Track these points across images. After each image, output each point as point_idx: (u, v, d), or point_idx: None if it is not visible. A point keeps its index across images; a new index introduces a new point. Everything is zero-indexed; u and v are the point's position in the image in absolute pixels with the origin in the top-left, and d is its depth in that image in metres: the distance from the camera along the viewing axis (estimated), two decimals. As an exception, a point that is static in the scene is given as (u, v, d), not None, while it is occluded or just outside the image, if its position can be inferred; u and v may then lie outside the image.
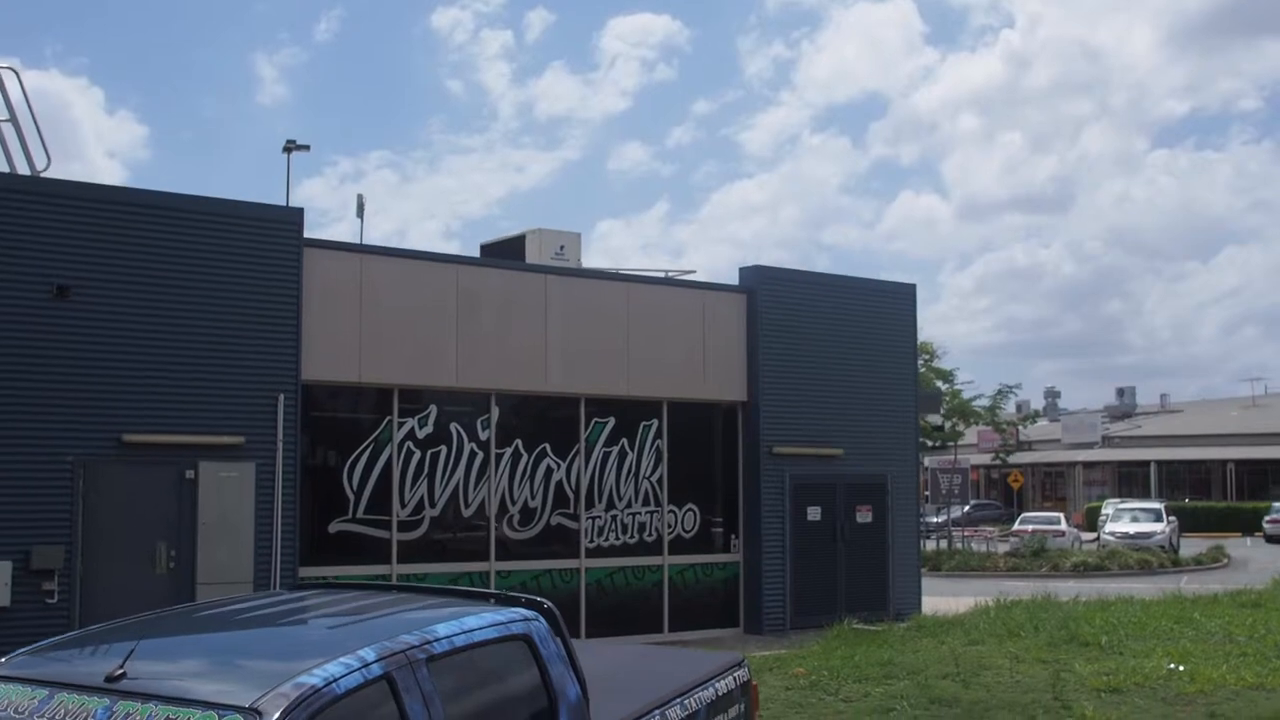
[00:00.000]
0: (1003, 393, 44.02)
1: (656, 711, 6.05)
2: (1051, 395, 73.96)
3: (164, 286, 14.38)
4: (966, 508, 47.68)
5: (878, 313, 20.78)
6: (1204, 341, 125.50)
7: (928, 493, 33.51)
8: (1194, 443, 57.58)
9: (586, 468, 17.84)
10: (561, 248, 19.81)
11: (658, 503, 18.45)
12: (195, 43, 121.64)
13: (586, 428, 17.89)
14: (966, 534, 38.74)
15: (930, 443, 44.62)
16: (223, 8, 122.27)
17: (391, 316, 16.11)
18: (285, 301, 15.16)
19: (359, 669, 4.61)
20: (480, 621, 5.38)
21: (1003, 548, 35.58)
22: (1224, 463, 55.86)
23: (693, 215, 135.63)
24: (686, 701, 6.26)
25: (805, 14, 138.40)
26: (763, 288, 19.35)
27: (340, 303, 15.74)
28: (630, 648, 8.40)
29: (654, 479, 18.47)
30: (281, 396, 14.99)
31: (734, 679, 6.73)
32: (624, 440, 18.22)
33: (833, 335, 20.01)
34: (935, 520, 39.15)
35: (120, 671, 4.59)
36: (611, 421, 18.13)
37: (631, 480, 18.25)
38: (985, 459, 60.00)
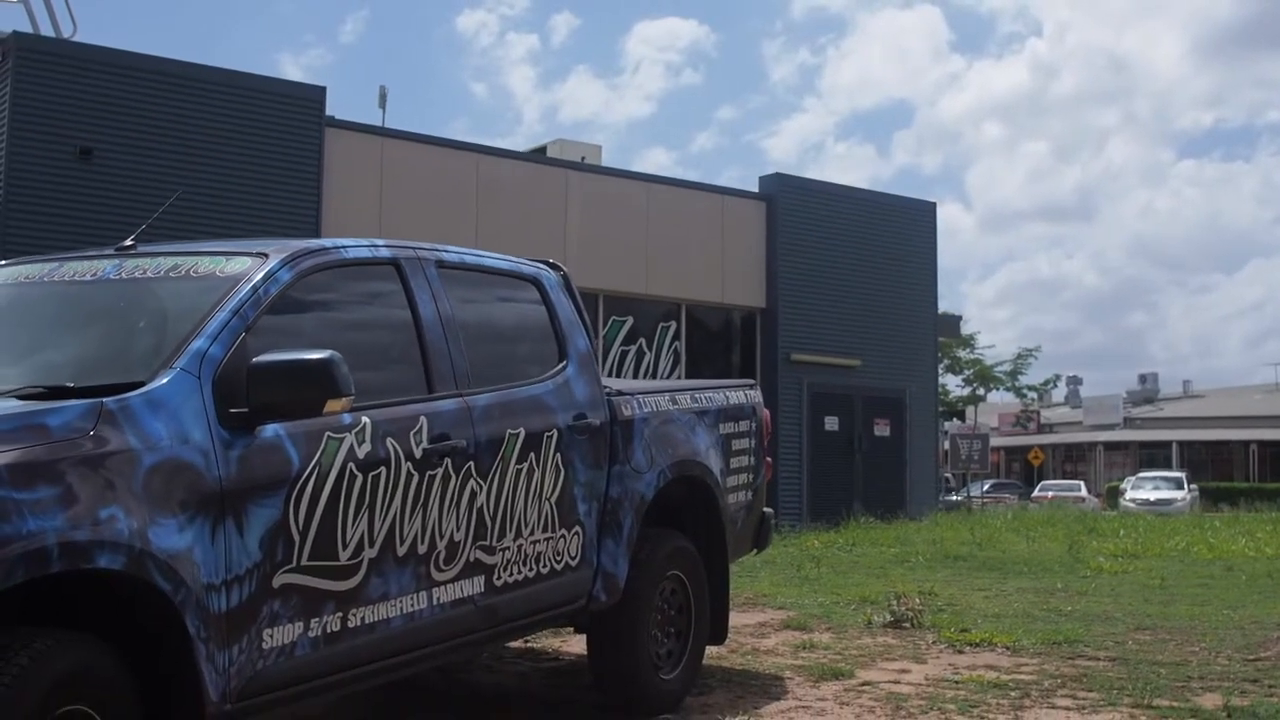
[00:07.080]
0: (1023, 356, 43.69)
1: (668, 394, 6.06)
2: (1073, 382, 73.47)
3: (186, 156, 14.45)
4: (986, 486, 47.13)
5: (898, 227, 20.71)
6: (1227, 355, 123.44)
7: (948, 472, 32.77)
8: (1217, 424, 56.99)
9: (604, 366, 17.82)
10: (583, 158, 19.82)
11: (675, 404, 18.38)
12: (220, 43, 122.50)
13: (605, 325, 17.88)
14: (985, 502, 38.33)
15: (957, 419, 44.25)
16: (247, 8, 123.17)
17: (411, 200, 16.13)
18: (306, 178, 15.21)
19: (367, 247, 4.68)
20: (490, 254, 5.48)
21: (1023, 516, 35.16)
22: (1247, 444, 55.31)
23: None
24: (698, 395, 6.26)
25: (831, 20, 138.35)
26: (783, 195, 19.32)
27: (360, 184, 15.78)
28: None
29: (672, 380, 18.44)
30: (301, 271, 14.99)
31: (745, 394, 6.72)
32: (642, 340, 18.21)
33: (852, 246, 19.95)
34: (954, 498, 37.68)
35: (130, 243, 4.67)
36: (630, 321, 18.12)
37: (649, 380, 18.21)
38: (1006, 441, 59.66)
